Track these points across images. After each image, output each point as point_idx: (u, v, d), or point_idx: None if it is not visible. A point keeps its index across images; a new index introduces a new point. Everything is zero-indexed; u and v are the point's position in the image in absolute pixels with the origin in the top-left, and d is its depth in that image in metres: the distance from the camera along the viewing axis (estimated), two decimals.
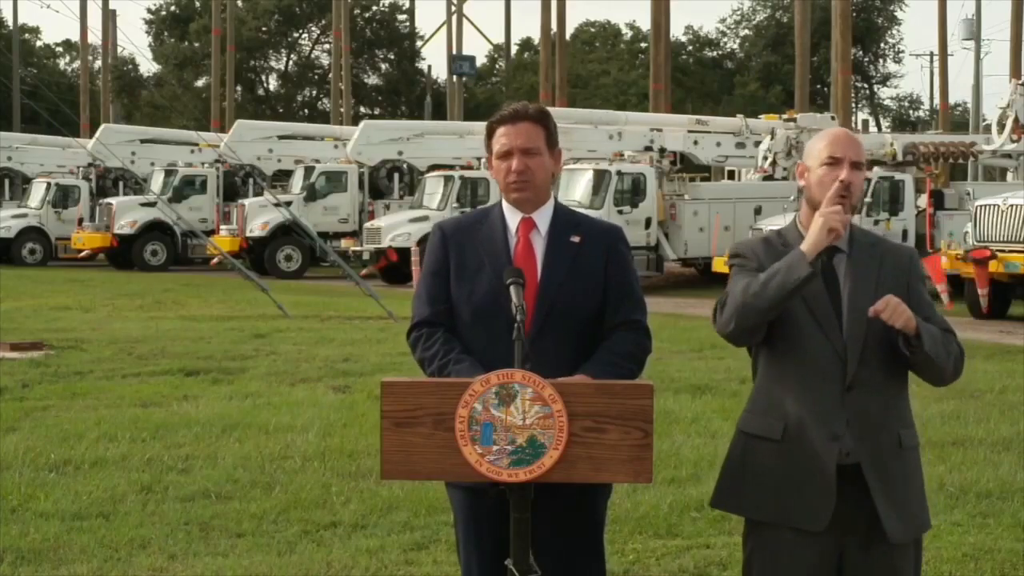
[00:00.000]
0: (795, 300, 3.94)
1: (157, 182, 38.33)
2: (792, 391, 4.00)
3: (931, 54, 70.24)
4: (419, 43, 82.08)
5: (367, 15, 79.21)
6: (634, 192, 29.75)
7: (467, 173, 33.07)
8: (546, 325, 4.16)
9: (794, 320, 3.97)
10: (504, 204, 4.32)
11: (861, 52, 72.77)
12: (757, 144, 33.02)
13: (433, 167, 35.31)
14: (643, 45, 70.87)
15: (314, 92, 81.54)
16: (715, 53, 78.77)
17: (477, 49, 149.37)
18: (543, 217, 4.29)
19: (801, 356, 3.98)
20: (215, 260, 33.02)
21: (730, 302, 3.97)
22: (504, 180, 4.26)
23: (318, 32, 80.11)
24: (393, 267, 31.50)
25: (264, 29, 78.05)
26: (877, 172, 28.40)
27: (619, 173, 29.66)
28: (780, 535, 4.02)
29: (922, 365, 3.98)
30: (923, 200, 28.78)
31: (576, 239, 4.26)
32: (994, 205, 22.10)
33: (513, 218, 4.29)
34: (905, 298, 3.96)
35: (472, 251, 4.26)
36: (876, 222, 26.55)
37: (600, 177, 29.61)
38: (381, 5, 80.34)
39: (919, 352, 3.92)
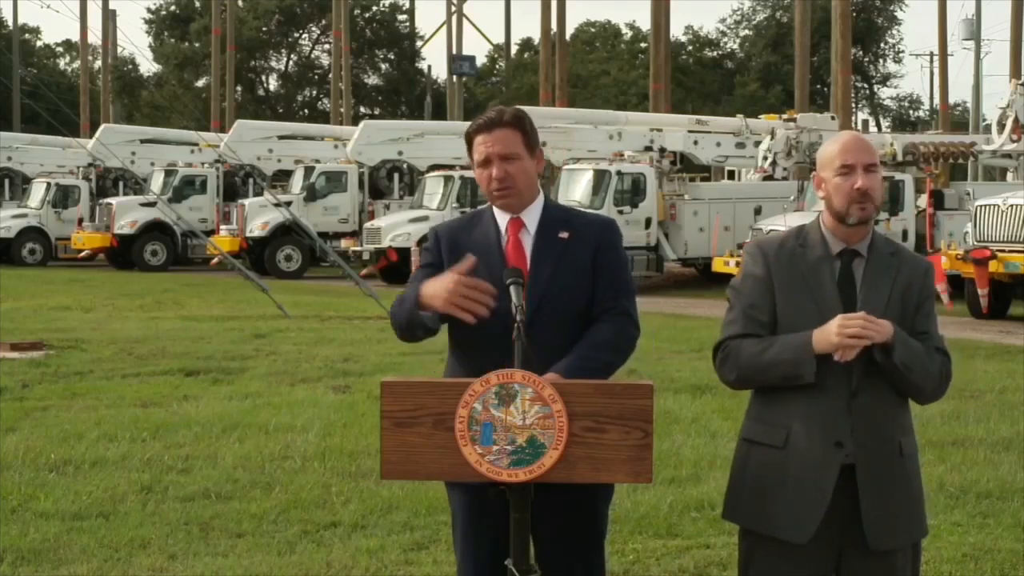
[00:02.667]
0: (808, 303, 3.96)
1: (157, 182, 38.34)
2: (796, 397, 3.99)
3: (931, 54, 70.34)
4: (419, 43, 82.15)
5: (367, 15, 79.22)
6: (634, 192, 29.75)
7: (467, 173, 32.96)
8: (536, 319, 4.18)
9: (804, 325, 3.96)
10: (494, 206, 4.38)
11: (861, 52, 72.75)
12: (757, 144, 33.02)
13: (433, 167, 35.32)
14: (643, 45, 70.85)
15: (314, 92, 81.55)
16: (715, 53, 78.74)
17: (477, 49, 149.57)
18: (531, 216, 4.34)
19: None
20: (215, 260, 33.02)
21: (735, 364, 4.01)
22: (487, 188, 4.33)
23: (318, 32, 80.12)
24: (393, 267, 31.50)
25: (264, 29, 78.05)
26: None
27: (619, 173, 29.66)
28: (774, 544, 4.01)
29: (893, 376, 3.95)
30: (923, 200, 28.79)
31: (565, 235, 4.31)
32: (994, 205, 22.10)
33: (503, 218, 4.35)
34: (912, 311, 4.00)
35: (465, 251, 4.30)
36: (876, 222, 26.42)
37: (600, 177, 29.61)
38: (381, 5, 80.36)
39: (889, 362, 3.91)
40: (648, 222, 29.72)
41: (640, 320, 4.39)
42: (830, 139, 4.18)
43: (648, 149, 32.16)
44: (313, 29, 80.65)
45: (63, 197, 41.56)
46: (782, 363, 3.93)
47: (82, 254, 39.70)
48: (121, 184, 41.89)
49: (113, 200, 39.67)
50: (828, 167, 4.05)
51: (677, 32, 78.68)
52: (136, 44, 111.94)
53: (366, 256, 32.78)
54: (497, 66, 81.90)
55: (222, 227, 37.07)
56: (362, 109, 75.48)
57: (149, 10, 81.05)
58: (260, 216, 35.12)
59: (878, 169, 4.06)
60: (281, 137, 42.22)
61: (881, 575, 4.02)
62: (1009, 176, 34.36)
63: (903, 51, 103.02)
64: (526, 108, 4.64)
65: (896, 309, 3.99)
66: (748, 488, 4.06)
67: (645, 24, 65.31)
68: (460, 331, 4.32)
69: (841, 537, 3.98)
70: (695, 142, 34.40)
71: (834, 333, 3.86)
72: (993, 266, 21.15)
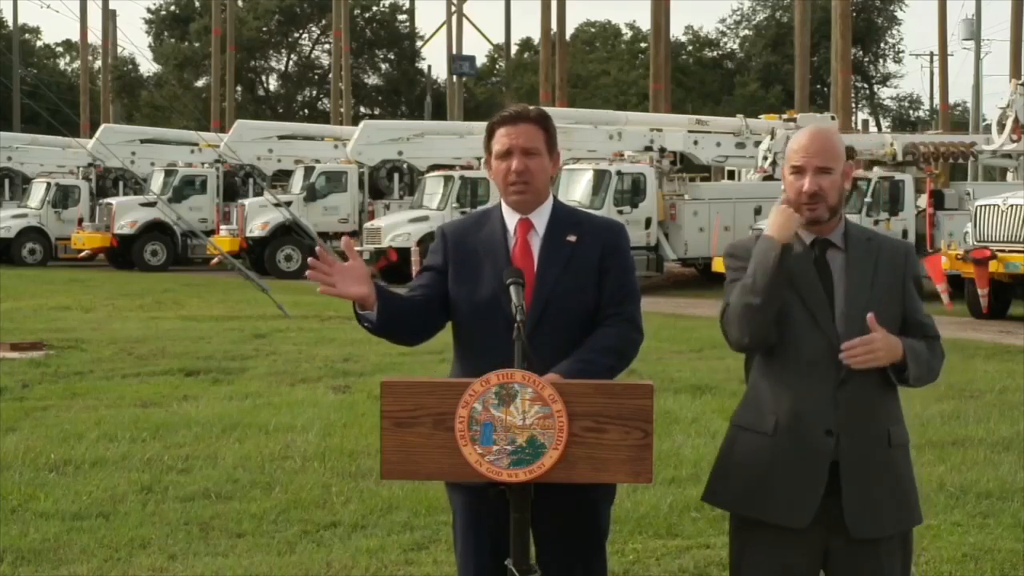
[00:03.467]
0: (790, 294, 3.97)
1: (157, 182, 38.33)
2: (785, 385, 4.01)
3: (931, 54, 70.36)
4: (419, 43, 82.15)
5: (367, 15, 79.23)
6: (634, 192, 29.74)
7: (467, 173, 33.05)
8: (541, 321, 4.19)
9: (788, 314, 3.98)
10: (503, 205, 4.37)
11: (861, 52, 72.76)
12: (757, 144, 32.98)
13: (433, 167, 35.30)
14: (643, 45, 70.87)
15: (314, 92, 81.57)
16: (715, 53, 78.76)
17: (477, 49, 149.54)
18: (541, 217, 4.33)
19: (795, 351, 3.99)
20: (215, 260, 33.00)
21: (732, 316, 4.01)
22: (503, 180, 4.30)
23: (318, 32, 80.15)
24: (393, 267, 31.49)
25: (264, 29, 78.06)
26: (877, 172, 28.42)
27: (619, 173, 29.66)
28: (766, 533, 4.02)
29: (903, 384, 4.04)
30: (923, 200, 28.79)
31: (572, 238, 4.30)
32: (994, 205, 22.09)
33: (512, 219, 4.33)
34: (900, 294, 4.02)
35: (472, 251, 4.30)
36: (876, 222, 26.52)
37: (600, 177, 29.60)
38: (381, 5, 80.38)
39: (905, 379, 3.97)
40: (648, 222, 29.72)
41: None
42: (799, 131, 4.17)
43: (648, 149, 32.16)
44: (313, 29, 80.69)
45: (63, 197, 41.55)
46: (754, 264, 3.95)
47: (82, 254, 39.68)
48: (121, 184, 41.88)
49: (113, 200, 39.65)
50: (787, 161, 4.07)
51: (677, 32, 78.80)
52: (136, 44, 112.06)
53: (366, 256, 32.75)
54: (497, 66, 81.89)
55: (222, 227, 37.05)
56: (362, 109, 75.49)
57: (149, 10, 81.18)
58: (260, 216, 35.11)
59: (834, 171, 4.02)
60: (281, 137, 42.20)
61: (867, 563, 4.02)
62: (1009, 176, 34.36)
63: (903, 51, 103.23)
64: None
65: (882, 295, 4.01)
66: (735, 473, 4.07)
67: (645, 24, 65.41)
68: (464, 333, 4.32)
69: (829, 525, 3.99)
70: (695, 142, 34.38)
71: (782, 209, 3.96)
72: (993, 266, 21.14)
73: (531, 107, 4.41)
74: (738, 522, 4.13)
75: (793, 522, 3.97)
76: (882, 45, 77.73)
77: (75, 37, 76.13)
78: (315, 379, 13.41)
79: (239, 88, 71.90)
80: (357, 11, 75.17)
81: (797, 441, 3.97)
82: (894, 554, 4.07)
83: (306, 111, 78.69)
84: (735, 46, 79.05)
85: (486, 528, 4.18)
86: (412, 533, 7.29)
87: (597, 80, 73.28)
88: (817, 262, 4.02)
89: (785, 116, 33.38)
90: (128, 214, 38.47)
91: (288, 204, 30.73)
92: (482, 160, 31.42)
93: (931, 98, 76.20)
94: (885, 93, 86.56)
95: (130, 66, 76.85)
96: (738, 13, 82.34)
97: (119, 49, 73.90)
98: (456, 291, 4.30)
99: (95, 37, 66.64)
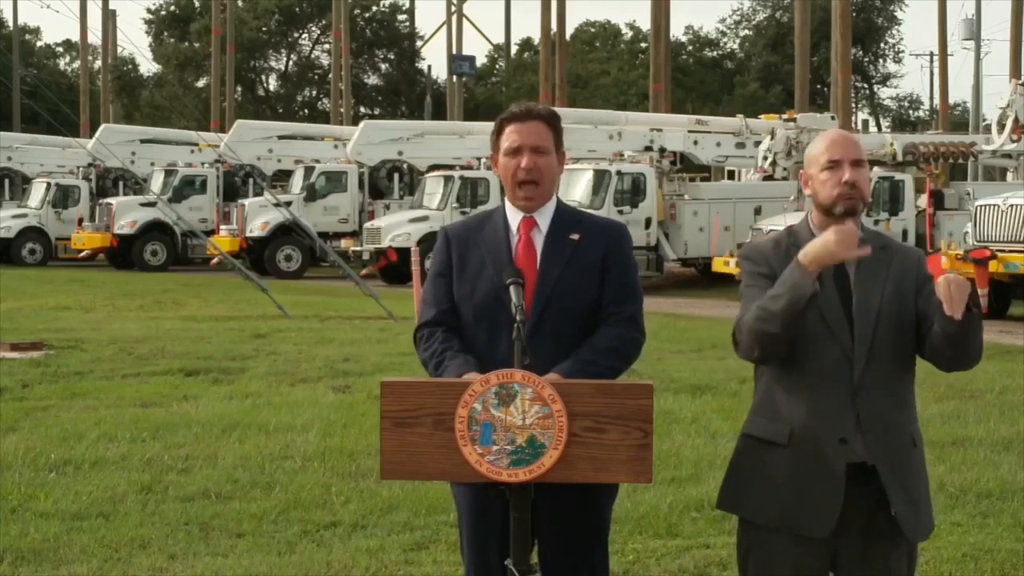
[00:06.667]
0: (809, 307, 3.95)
1: (157, 182, 38.35)
2: (799, 394, 3.99)
3: (931, 54, 70.35)
4: (419, 43, 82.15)
5: (367, 15, 79.21)
6: (634, 192, 29.77)
7: (467, 173, 33.06)
8: (543, 319, 4.20)
9: (804, 326, 3.95)
10: (507, 204, 4.37)
11: (861, 52, 72.76)
12: (757, 144, 33.02)
13: (433, 167, 35.31)
14: (643, 45, 70.84)
15: (314, 92, 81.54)
16: (715, 53, 78.74)
17: (477, 49, 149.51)
18: (545, 215, 4.34)
19: (809, 359, 3.97)
20: (215, 260, 33.01)
21: (746, 331, 3.96)
22: (512, 178, 4.29)
23: (318, 32, 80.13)
24: (393, 267, 31.51)
25: (264, 29, 78.05)
26: (877, 172, 28.41)
27: (619, 173, 29.69)
28: (776, 534, 4.02)
29: (967, 333, 3.88)
30: (923, 200, 28.80)
31: (576, 236, 4.30)
32: (994, 205, 22.09)
33: (515, 218, 4.33)
34: (912, 301, 4.01)
35: (475, 251, 4.30)
36: (876, 222, 26.54)
37: (600, 177, 29.63)
38: (381, 5, 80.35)
39: (971, 315, 3.84)
40: (648, 222, 29.74)
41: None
42: (817, 138, 4.18)
43: (648, 149, 32.20)
44: (313, 29, 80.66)
45: (63, 197, 41.57)
46: (782, 293, 3.87)
47: (82, 254, 39.69)
48: (121, 184, 41.90)
49: (113, 200, 39.67)
50: (815, 164, 4.07)
51: (677, 32, 78.88)
52: (136, 44, 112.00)
53: (366, 256, 32.78)
54: (497, 66, 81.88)
55: (222, 227, 37.07)
56: (362, 109, 75.45)
57: (149, 10, 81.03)
58: (260, 216, 35.13)
59: (865, 165, 4.08)
60: (281, 137, 42.22)
61: (876, 564, 4.03)
62: (1009, 176, 34.37)
63: (903, 51, 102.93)
64: None
65: (892, 301, 4.00)
66: (753, 484, 4.05)
67: (645, 24, 65.39)
68: (466, 332, 4.29)
69: (839, 535, 3.98)
70: (695, 142, 34.41)
71: (833, 242, 3.84)
72: (993, 266, 21.14)
73: (540, 105, 4.42)
74: (747, 523, 4.12)
75: (817, 531, 3.97)
76: (882, 45, 77.73)
77: (75, 37, 76.26)
78: (315, 379, 13.41)
79: (239, 88, 71.88)
80: (357, 11, 75.14)
81: (813, 451, 3.96)
82: (902, 557, 4.08)
83: (306, 111, 78.66)
84: (735, 46, 79.07)
85: (492, 523, 4.17)
86: (412, 533, 7.28)
87: (597, 80, 73.23)
88: (836, 270, 4.01)
89: (785, 116, 33.40)
90: (128, 214, 38.49)
91: (288, 204, 30.75)
92: (482, 160, 31.42)
93: (931, 98, 76.24)
94: (885, 93, 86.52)
95: (130, 66, 76.85)
96: (738, 13, 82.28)
97: (119, 49, 73.98)
98: (458, 290, 4.30)
99: (95, 37, 66.73)
